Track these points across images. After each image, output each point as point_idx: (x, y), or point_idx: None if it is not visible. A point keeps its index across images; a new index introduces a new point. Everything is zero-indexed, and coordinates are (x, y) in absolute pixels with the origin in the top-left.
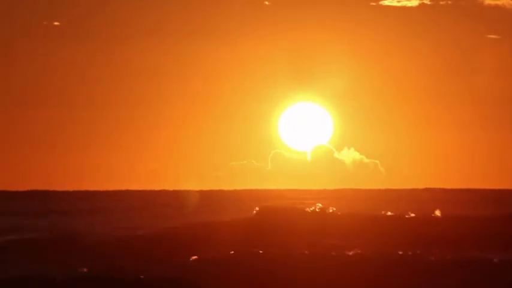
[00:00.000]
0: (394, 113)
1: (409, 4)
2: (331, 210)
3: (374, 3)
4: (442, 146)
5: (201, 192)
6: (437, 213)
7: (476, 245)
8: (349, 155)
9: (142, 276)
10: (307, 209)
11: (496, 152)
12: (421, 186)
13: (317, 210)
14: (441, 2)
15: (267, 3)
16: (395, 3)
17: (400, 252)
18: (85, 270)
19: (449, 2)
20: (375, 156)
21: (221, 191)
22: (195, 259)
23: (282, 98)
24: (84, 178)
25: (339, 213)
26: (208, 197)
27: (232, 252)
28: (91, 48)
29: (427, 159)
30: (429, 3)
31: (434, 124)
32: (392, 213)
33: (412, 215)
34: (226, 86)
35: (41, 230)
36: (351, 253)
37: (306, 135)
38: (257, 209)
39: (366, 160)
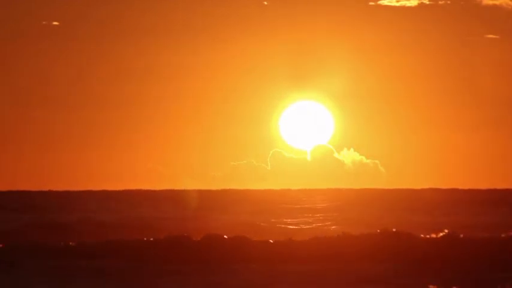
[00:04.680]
0: (394, 113)
1: (408, 4)
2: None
3: (373, 3)
4: (442, 146)
5: (201, 192)
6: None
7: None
8: (349, 156)
9: None
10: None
11: (494, 151)
12: (421, 186)
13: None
14: (440, 2)
15: (265, 3)
16: (394, 3)
17: None
18: None
19: (448, 2)
20: (375, 156)
21: (221, 191)
22: None
23: (282, 97)
24: (83, 178)
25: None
26: (208, 197)
27: None
28: (90, 48)
29: (428, 159)
30: (428, 3)
31: (434, 124)
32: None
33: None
34: (226, 86)
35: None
36: None
37: (306, 134)
38: None
39: (366, 160)
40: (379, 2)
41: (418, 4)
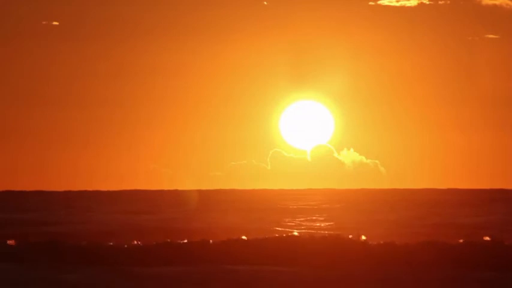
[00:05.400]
0: (394, 113)
1: (408, 4)
2: None
3: (373, 3)
4: (442, 146)
5: (201, 192)
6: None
7: None
8: (349, 156)
9: None
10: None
11: (494, 151)
12: (421, 186)
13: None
14: (440, 2)
15: (265, 3)
16: (394, 3)
17: None
18: None
19: (448, 2)
20: (375, 156)
21: (221, 191)
22: None
23: (282, 97)
24: (84, 178)
25: None
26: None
27: None
28: (90, 48)
29: (428, 159)
30: (428, 3)
31: (434, 124)
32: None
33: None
34: (226, 86)
35: None
36: None
37: (306, 134)
38: None
39: (366, 160)
40: (379, 2)
41: (418, 4)
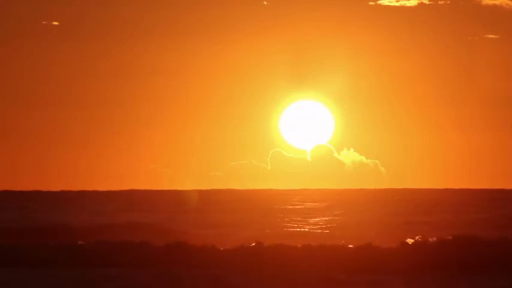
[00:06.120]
0: (394, 113)
1: (407, 4)
2: None
3: (372, 3)
4: (442, 146)
5: (200, 192)
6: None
7: None
8: (349, 156)
9: None
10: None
11: (494, 151)
12: (421, 186)
13: None
14: (440, 2)
15: (265, 3)
16: (393, 3)
17: None
18: None
19: (448, 2)
20: (375, 156)
21: (221, 191)
22: None
23: (282, 97)
24: (84, 178)
25: None
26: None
27: None
28: (90, 48)
29: (428, 159)
30: (428, 3)
31: (434, 124)
32: None
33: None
34: (226, 86)
35: None
36: None
37: (306, 133)
38: None
39: (366, 160)
40: (379, 2)
41: (418, 4)
